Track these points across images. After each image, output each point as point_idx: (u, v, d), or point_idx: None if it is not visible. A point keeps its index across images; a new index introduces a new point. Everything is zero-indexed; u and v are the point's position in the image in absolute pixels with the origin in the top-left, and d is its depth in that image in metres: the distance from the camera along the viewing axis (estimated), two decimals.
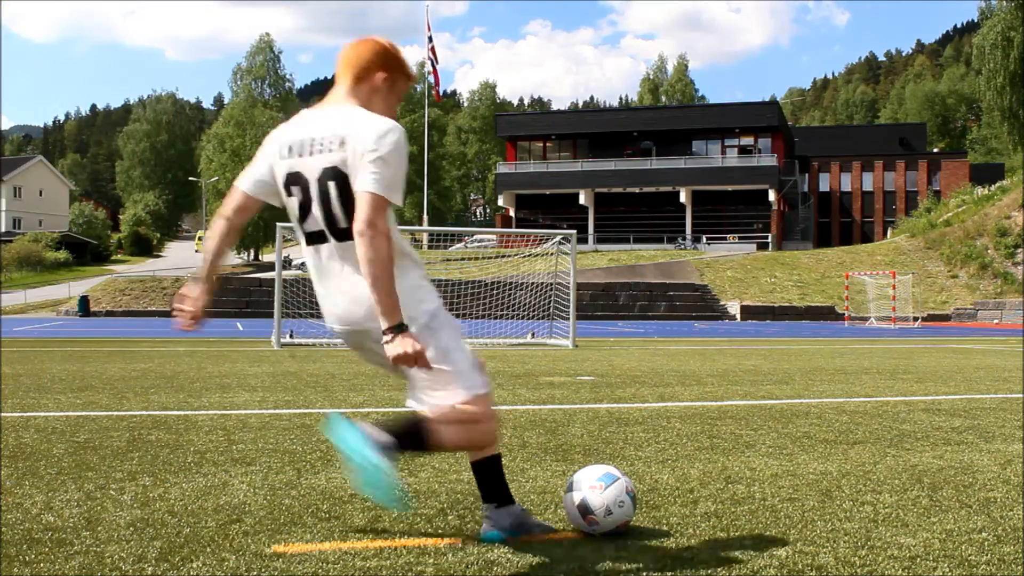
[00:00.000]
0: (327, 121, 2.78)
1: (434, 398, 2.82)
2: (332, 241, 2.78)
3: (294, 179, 2.81)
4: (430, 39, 64.26)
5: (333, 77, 2.96)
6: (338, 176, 2.71)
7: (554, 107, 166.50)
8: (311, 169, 2.76)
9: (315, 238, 2.82)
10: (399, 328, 2.62)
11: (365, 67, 2.88)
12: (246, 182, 2.93)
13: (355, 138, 2.69)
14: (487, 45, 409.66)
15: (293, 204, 2.84)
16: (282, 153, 2.84)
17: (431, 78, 66.02)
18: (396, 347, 2.61)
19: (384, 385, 8.39)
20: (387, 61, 2.91)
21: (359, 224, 2.60)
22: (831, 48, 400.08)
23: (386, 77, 2.90)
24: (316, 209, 2.78)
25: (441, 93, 73.98)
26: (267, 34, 79.57)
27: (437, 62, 64.64)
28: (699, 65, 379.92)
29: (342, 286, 2.80)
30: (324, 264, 2.84)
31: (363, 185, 2.64)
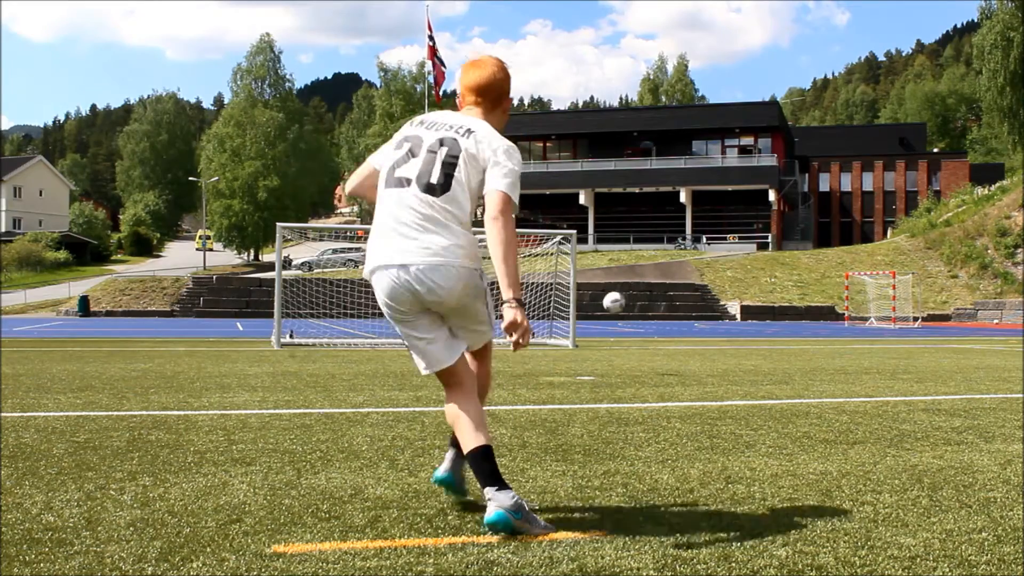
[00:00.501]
0: (461, 119, 3.29)
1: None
2: (414, 187, 3.16)
3: (411, 139, 3.28)
4: (431, 39, 64.29)
5: (464, 92, 3.39)
6: (452, 146, 3.19)
7: (554, 107, 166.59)
8: (431, 136, 3.24)
9: (401, 182, 3.20)
10: (520, 301, 3.05)
11: (501, 95, 3.40)
12: (376, 159, 3.39)
13: (485, 139, 3.20)
14: (487, 45, 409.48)
15: (399, 153, 3.26)
16: (414, 123, 3.36)
17: (431, 78, 66.05)
18: (515, 314, 3.02)
19: (384, 385, 8.39)
20: (510, 87, 3.45)
21: (494, 212, 3.08)
22: (831, 48, 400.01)
23: (509, 100, 3.47)
24: (416, 161, 3.20)
25: (442, 93, 74.08)
26: (267, 34, 79.60)
27: (443, 64, 64.67)
28: (699, 65, 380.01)
29: (426, 236, 3.12)
30: (399, 203, 3.18)
31: (497, 185, 3.12)
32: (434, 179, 3.15)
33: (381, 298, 3.20)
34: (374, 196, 3.34)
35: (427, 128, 3.27)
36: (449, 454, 3.46)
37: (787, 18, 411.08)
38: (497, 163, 3.14)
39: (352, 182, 3.45)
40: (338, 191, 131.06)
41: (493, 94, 3.36)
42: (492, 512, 3.01)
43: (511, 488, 3.09)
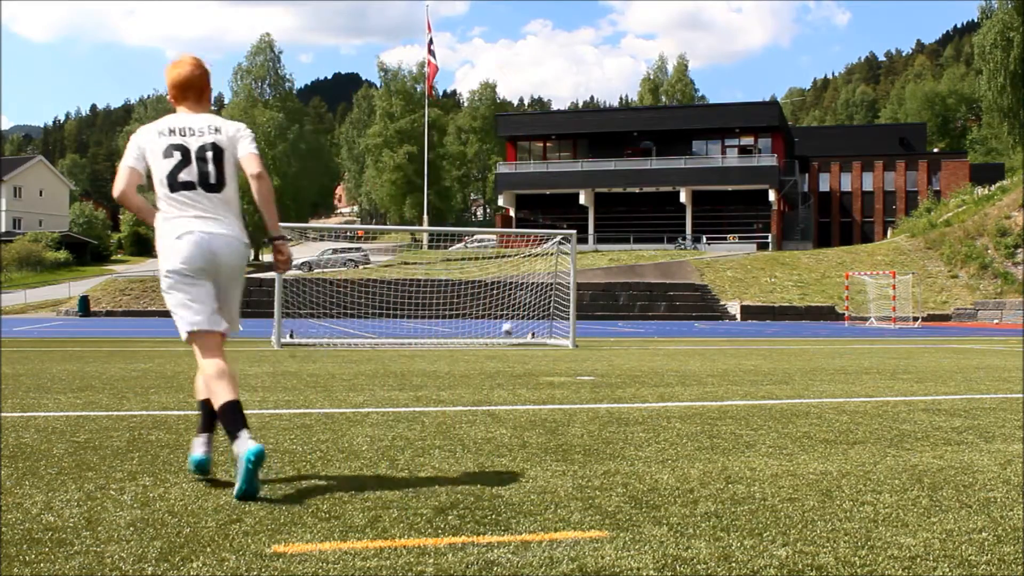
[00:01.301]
0: (202, 120, 3.97)
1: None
2: (200, 189, 3.87)
3: (178, 148, 3.88)
4: (431, 40, 64.37)
5: (179, 88, 4.01)
6: (215, 148, 3.92)
7: (554, 107, 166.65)
8: (195, 142, 3.90)
9: (184, 186, 3.86)
10: (283, 237, 4.14)
11: (203, 88, 4.05)
12: (133, 161, 3.90)
13: (226, 128, 3.98)
14: (487, 45, 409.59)
15: (170, 163, 3.86)
16: (164, 132, 3.91)
17: (427, 69, 66.13)
18: (285, 246, 4.14)
19: (384, 385, 8.39)
20: (209, 79, 4.10)
21: (254, 171, 3.95)
22: (831, 48, 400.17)
23: (210, 90, 4.13)
24: (194, 167, 3.87)
25: (440, 93, 74.11)
26: (267, 34, 79.55)
27: (436, 59, 64.79)
28: (699, 65, 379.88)
29: (222, 219, 3.90)
30: (197, 201, 3.86)
31: (248, 149, 3.97)
32: (212, 180, 3.89)
33: (185, 257, 3.80)
34: (134, 193, 3.91)
35: (186, 136, 3.91)
36: (203, 439, 4.02)
37: (788, 18, 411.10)
38: (241, 137, 3.98)
39: (120, 185, 3.85)
40: (338, 191, 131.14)
41: (196, 89, 4.02)
42: (253, 445, 3.54)
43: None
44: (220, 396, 3.70)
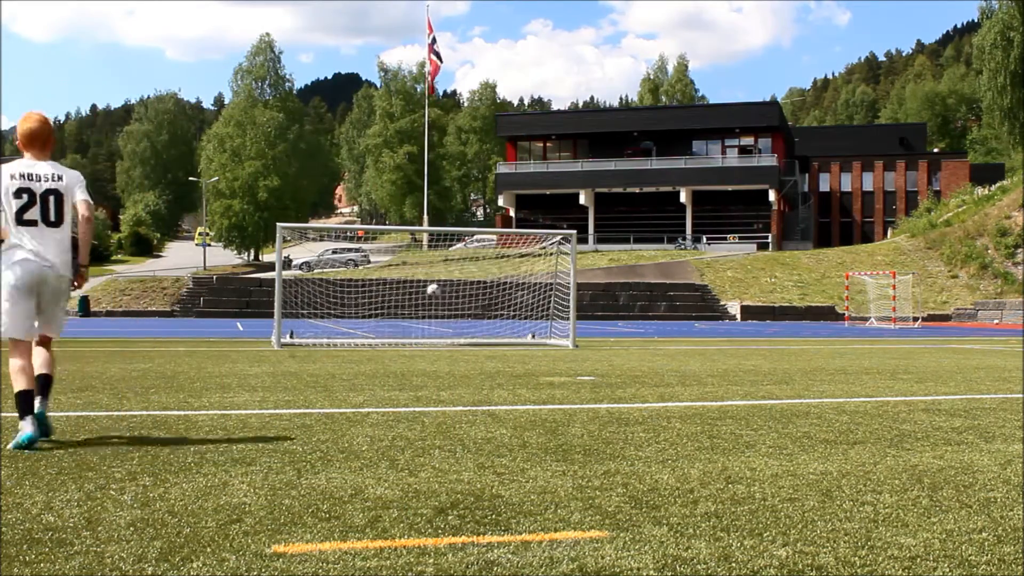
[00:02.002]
0: (47, 168, 5.03)
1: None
2: (42, 225, 4.92)
3: (24, 192, 4.90)
4: (433, 39, 64.33)
5: (23, 139, 5.09)
6: (56, 193, 4.98)
7: (554, 107, 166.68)
8: (40, 187, 4.94)
9: (29, 223, 4.89)
10: (85, 266, 5.22)
11: (47, 139, 5.13)
12: None
13: (67, 177, 5.09)
14: (488, 45, 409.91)
15: (21, 201, 4.88)
16: (15, 177, 4.92)
17: (429, 66, 66.10)
18: (85, 272, 5.22)
19: (384, 385, 8.39)
20: (51, 130, 5.21)
21: (86, 214, 5.08)
22: (831, 48, 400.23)
23: (53, 141, 5.22)
24: (37, 208, 4.91)
25: (441, 93, 74.12)
26: (267, 34, 79.51)
27: (440, 59, 64.77)
28: (700, 65, 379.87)
29: (55, 251, 4.96)
30: (38, 235, 4.91)
31: (83, 196, 5.08)
32: (52, 217, 4.94)
33: (20, 278, 4.82)
34: None
35: (34, 181, 4.91)
36: (27, 420, 4.75)
37: (788, 18, 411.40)
38: (79, 185, 5.08)
39: None
40: (338, 191, 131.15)
41: (41, 139, 5.07)
42: (27, 432, 4.68)
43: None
44: (16, 385, 4.79)
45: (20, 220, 4.86)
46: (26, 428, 4.68)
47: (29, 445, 4.64)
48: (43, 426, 4.88)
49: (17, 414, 4.80)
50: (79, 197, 5.03)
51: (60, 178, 5.01)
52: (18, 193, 4.88)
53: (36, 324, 4.98)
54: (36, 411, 4.80)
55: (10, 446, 4.66)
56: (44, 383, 4.99)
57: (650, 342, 18.19)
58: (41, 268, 4.86)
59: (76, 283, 5.10)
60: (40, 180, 4.94)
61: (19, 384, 4.80)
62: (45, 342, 5.09)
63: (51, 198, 4.93)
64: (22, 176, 4.92)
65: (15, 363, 4.84)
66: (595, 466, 4.37)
